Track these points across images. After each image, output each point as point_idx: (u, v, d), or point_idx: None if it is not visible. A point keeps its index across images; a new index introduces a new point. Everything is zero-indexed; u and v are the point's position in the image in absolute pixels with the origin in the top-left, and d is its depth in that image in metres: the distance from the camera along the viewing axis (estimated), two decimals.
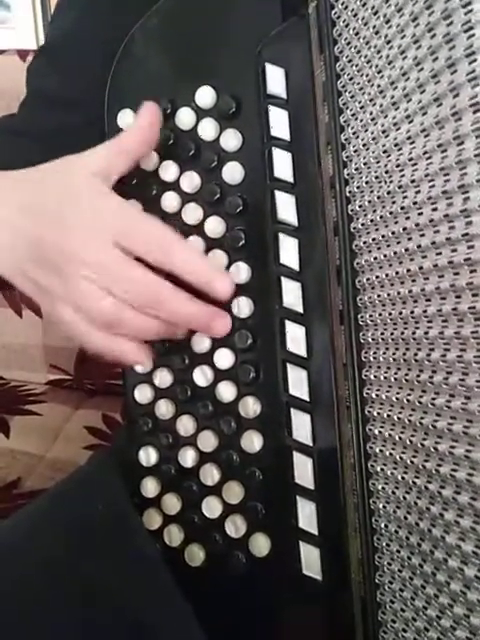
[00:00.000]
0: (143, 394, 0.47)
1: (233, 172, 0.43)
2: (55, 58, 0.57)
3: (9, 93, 0.66)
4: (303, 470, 0.41)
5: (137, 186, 0.46)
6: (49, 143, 0.50)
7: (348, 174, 0.38)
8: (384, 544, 0.39)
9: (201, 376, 0.45)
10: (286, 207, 0.41)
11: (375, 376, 0.38)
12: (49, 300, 0.41)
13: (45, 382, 1.04)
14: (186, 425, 0.46)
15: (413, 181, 0.33)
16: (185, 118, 0.44)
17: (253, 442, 0.44)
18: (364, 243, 0.37)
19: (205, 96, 0.43)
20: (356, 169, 0.37)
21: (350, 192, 0.38)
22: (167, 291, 0.39)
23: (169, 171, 0.45)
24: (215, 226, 0.44)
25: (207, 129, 0.43)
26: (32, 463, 0.82)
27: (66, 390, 1.02)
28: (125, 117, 0.46)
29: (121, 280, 0.39)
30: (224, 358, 0.44)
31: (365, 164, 0.36)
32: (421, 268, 0.33)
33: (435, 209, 0.32)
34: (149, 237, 0.40)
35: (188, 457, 0.46)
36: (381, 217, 0.36)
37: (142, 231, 0.40)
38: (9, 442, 0.86)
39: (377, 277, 0.37)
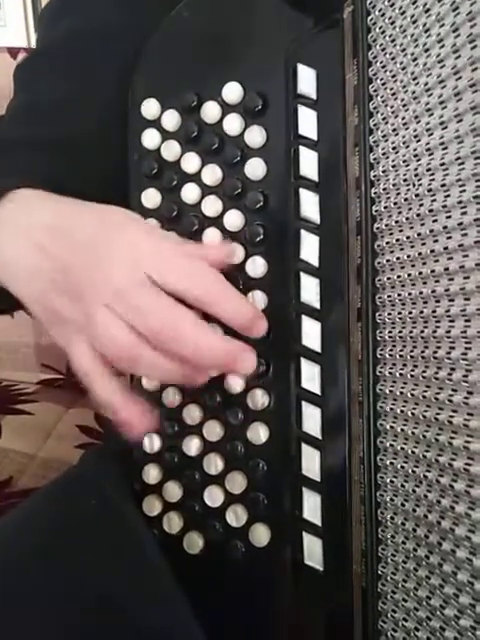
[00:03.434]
0: (151, 382, 0.47)
1: (255, 168, 0.44)
2: (61, 61, 0.53)
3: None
4: (311, 462, 0.42)
5: (157, 176, 0.46)
6: (56, 155, 0.50)
7: (374, 176, 0.39)
8: (389, 536, 0.40)
9: None
10: (309, 205, 0.42)
11: (390, 372, 0.39)
12: (67, 333, 0.39)
13: (37, 381, 1.03)
14: (192, 414, 0.46)
15: (443, 185, 0.35)
16: (210, 112, 0.45)
17: (259, 434, 0.44)
18: (387, 243, 0.39)
19: (232, 92, 0.44)
20: (383, 171, 0.38)
21: (375, 193, 0.39)
22: (191, 324, 0.38)
23: (191, 163, 0.45)
24: (234, 220, 0.44)
25: (232, 124, 0.44)
26: (24, 462, 0.82)
27: (58, 389, 1.01)
28: (149, 107, 0.46)
29: (140, 308, 0.37)
30: None
31: (393, 167, 0.38)
32: (446, 269, 0.35)
33: (465, 213, 0.34)
34: (184, 271, 0.38)
35: (193, 446, 0.46)
36: (407, 219, 0.37)
37: (178, 265, 0.38)
38: (1, 441, 0.85)
39: (398, 277, 0.38)
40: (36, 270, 0.39)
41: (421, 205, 0.36)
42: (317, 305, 0.42)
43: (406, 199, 0.37)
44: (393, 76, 0.37)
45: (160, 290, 0.37)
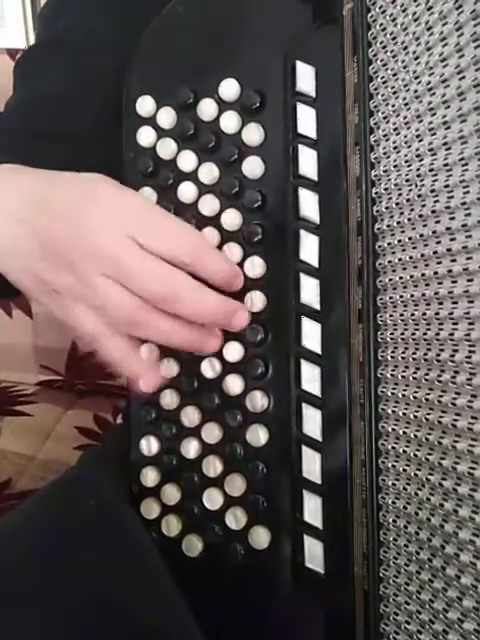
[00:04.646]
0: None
1: (253, 167, 0.43)
2: (59, 57, 0.53)
3: None
4: (311, 464, 0.42)
5: (153, 174, 0.46)
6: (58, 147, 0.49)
7: (375, 175, 0.38)
8: (391, 539, 0.40)
9: (209, 368, 0.45)
10: (309, 204, 0.41)
11: (392, 374, 0.39)
12: (60, 301, 0.40)
13: (36, 383, 1.02)
14: (191, 416, 0.46)
15: (446, 186, 0.34)
16: (207, 109, 0.44)
17: (259, 436, 0.44)
18: (388, 244, 0.38)
19: (229, 89, 0.43)
20: (384, 171, 0.38)
21: (376, 193, 0.39)
22: (186, 283, 0.39)
23: (188, 161, 0.45)
24: (232, 219, 0.44)
25: (229, 122, 0.44)
26: (23, 463, 0.82)
27: (57, 391, 1.01)
28: (145, 104, 0.46)
29: (137, 273, 0.38)
30: (233, 351, 0.44)
31: (395, 167, 0.37)
32: (450, 271, 0.34)
33: (468, 214, 0.33)
34: (166, 231, 0.39)
35: (191, 448, 0.46)
36: (409, 219, 0.36)
37: (159, 225, 0.39)
38: (0, 443, 0.85)
39: (400, 278, 0.37)
40: (19, 242, 0.40)
41: (423, 206, 0.36)
42: (317, 306, 0.41)
43: (408, 200, 0.37)
44: (394, 74, 0.37)
45: (148, 252, 0.38)
